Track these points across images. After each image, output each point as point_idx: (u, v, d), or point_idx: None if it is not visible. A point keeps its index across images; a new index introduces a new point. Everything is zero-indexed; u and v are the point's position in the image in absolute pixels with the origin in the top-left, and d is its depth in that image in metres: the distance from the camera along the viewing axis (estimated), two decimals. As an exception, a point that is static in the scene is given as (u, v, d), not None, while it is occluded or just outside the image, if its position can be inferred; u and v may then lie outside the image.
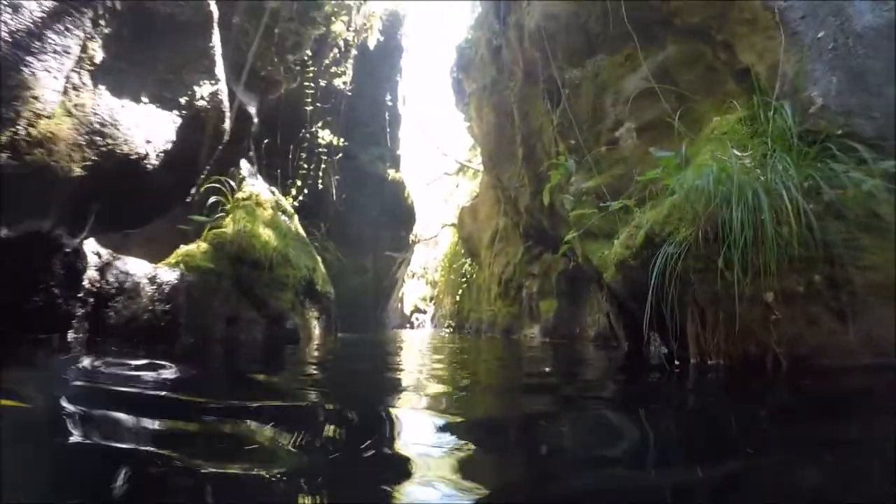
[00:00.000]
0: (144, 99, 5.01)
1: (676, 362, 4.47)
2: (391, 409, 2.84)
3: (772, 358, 3.85)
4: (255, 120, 9.40)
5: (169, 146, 5.19)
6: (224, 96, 5.86)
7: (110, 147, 4.58)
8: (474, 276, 17.46)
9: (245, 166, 9.31)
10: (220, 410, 2.67)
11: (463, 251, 18.77)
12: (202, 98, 5.51)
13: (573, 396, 3.57)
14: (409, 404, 3.10)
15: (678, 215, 4.53)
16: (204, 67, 5.56)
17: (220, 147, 5.99)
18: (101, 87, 4.66)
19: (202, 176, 6.08)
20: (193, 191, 6.12)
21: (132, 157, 4.79)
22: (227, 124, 5.93)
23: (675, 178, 4.67)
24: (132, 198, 5.12)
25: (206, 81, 5.57)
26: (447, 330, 19.19)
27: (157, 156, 5.07)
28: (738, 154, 4.46)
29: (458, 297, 18.70)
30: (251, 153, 9.96)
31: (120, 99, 4.81)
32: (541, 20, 8.65)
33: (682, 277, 4.25)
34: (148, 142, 4.94)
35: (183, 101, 5.37)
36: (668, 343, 4.53)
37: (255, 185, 8.83)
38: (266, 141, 10.80)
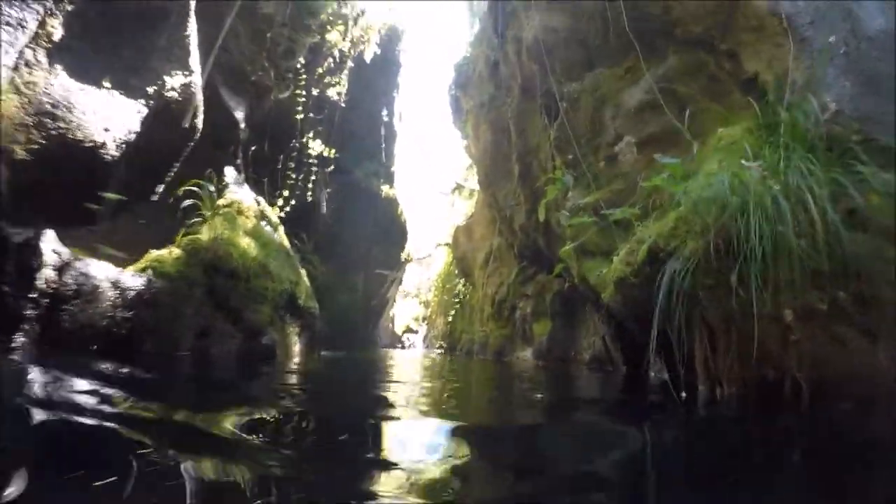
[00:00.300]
0: (107, 84, 4.62)
1: (683, 393, 4.05)
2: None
3: (791, 383, 3.45)
4: (243, 125, 9.05)
5: (132, 137, 4.79)
6: (198, 90, 5.47)
7: (61, 131, 4.19)
8: (467, 296, 17.23)
9: (230, 173, 8.93)
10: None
11: (456, 271, 18.55)
12: (173, 89, 5.12)
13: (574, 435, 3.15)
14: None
15: (685, 228, 4.16)
16: (176, 57, 5.17)
17: (192, 143, 5.59)
18: (58, 67, 4.28)
19: (171, 173, 5.65)
20: (161, 188, 5.68)
21: (86, 145, 4.39)
22: (199, 120, 5.53)
23: (681, 187, 4.29)
24: (89, 190, 4.70)
25: (178, 72, 5.18)
26: (438, 351, 18.91)
27: (118, 146, 4.67)
28: (749, 163, 4.08)
29: (450, 318, 18.42)
30: (238, 161, 9.59)
31: (79, 82, 4.42)
32: (539, 33, 8.44)
33: (690, 295, 3.86)
34: (106, 130, 4.54)
35: (151, 90, 4.97)
36: (673, 367, 4.10)
37: (238, 193, 8.44)
38: (254, 148, 10.43)
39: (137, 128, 4.83)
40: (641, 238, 4.69)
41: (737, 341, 3.68)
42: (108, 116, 4.54)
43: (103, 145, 4.52)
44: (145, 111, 4.91)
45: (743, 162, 4.00)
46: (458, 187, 22.32)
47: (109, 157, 4.59)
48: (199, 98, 5.49)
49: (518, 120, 10.13)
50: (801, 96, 4.54)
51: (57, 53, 4.25)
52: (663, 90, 6.37)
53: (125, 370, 4.25)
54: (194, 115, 5.44)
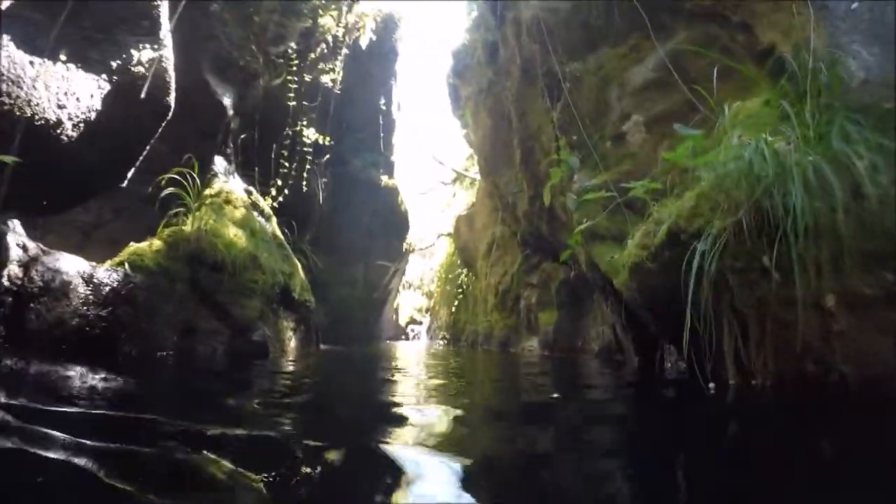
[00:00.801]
0: (62, 57, 4.21)
1: (711, 385, 3.64)
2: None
3: (836, 378, 3.05)
4: (231, 113, 8.65)
5: (91, 115, 4.37)
6: (170, 66, 5.03)
7: (8, 107, 3.78)
8: (470, 286, 16.97)
9: (220, 163, 8.56)
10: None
11: (459, 261, 18.29)
12: (140, 64, 4.69)
13: (598, 442, 2.74)
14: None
15: (709, 206, 3.76)
16: (144, 29, 4.74)
17: (163, 123, 5.15)
18: (5, 38, 3.86)
19: (142, 155, 5.21)
20: (131, 174, 5.25)
21: (38, 123, 3.98)
22: (171, 98, 5.09)
23: (707, 159, 3.89)
24: (44, 174, 4.29)
25: (146, 45, 4.75)
26: (442, 342, 18.68)
27: (75, 125, 4.25)
28: (775, 135, 3.68)
29: (453, 309, 18.15)
30: (228, 150, 9.20)
31: (28, 53, 4.01)
32: (539, 13, 8.09)
33: (717, 281, 3.46)
34: (61, 107, 4.12)
35: (114, 64, 4.55)
36: (696, 359, 3.70)
37: (228, 183, 8.06)
38: (244, 136, 10.03)
39: (98, 105, 4.42)
40: (659, 218, 4.29)
41: (771, 331, 3.28)
42: (62, 93, 4.13)
43: (59, 124, 4.11)
44: (107, 87, 4.50)
45: (778, 130, 3.59)
46: (459, 177, 22.05)
47: (66, 138, 4.18)
48: (171, 75, 5.06)
49: (518, 104, 9.81)
50: (823, 66, 4.17)
51: (4, 21, 3.84)
52: (671, 68, 6.02)
53: (91, 377, 3.85)
54: (166, 93, 5.01)
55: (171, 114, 5.18)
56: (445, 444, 2.33)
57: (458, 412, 3.13)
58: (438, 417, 2.98)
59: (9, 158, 3.88)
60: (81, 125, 4.29)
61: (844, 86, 3.94)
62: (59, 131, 4.13)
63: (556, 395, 4.10)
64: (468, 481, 1.80)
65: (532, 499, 1.72)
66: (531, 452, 2.34)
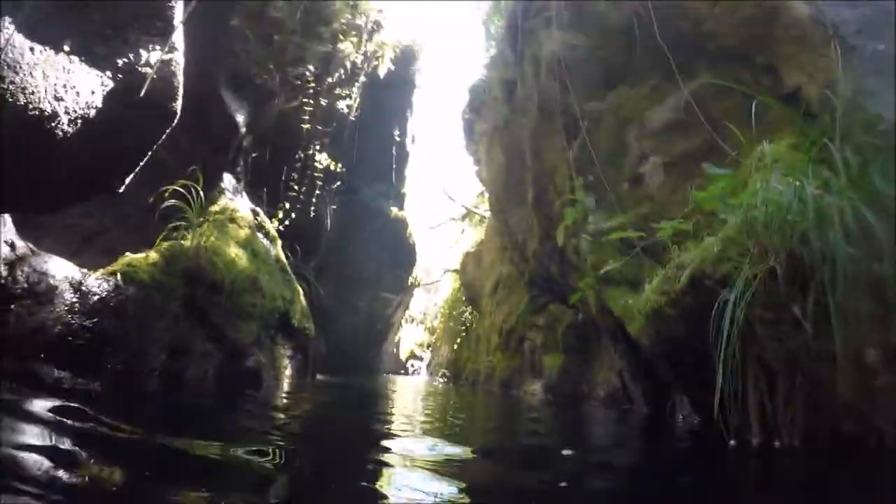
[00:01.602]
0: (66, 48, 4.03)
1: (732, 442, 3.38)
2: None
3: (876, 440, 2.80)
4: (244, 130, 8.51)
5: (91, 112, 4.17)
6: (179, 70, 4.84)
7: (1, 92, 3.58)
8: (474, 324, 16.75)
9: (228, 180, 8.39)
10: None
11: (464, 298, 18.09)
12: (148, 65, 4.50)
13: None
14: None
15: (736, 251, 3.53)
16: (157, 30, 4.57)
17: (168, 129, 4.93)
18: (5, 21, 3.67)
19: (142, 160, 4.99)
20: (129, 180, 5.02)
21: (32, 112, 3.77)
22: (178, 105, 4.90)
23: (741, 200, 3.67)
24: (36, 169, 4.08)
25: (157, 47, 4.57)
26: (442, 379, 18.42)
27: (72, 120, 4.05)
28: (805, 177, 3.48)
29: (455, 346, 17.91)
30: (238, 168, 9.05)
31: (30, 39, 3.83)
32: (559, 50, 8.01)
33: (744, 331, 3.22)
34: (58, 99, 3.92)
35: (121, 62, 4.35)
36: (720, 415, 3.44)
37: (234, 201, 7.88)
38: (255, 155, 9.90)
39: (99, 103, 4.22)
40: (681, 263, 4.06)
41: (802, 386, 3.04)
42: (61, 84, 3.94)
43: (54, 116, 3.91)
44: (110, 85, 4.30)
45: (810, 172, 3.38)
46: (469, 213, 21.99)
47: (61, 133, 3.98)
48: (180, 79, 4.88)
49: (534, 142, 9.70)
50: (850, 109, 4.03)
51: (9, 4, 3.68)
52: (693, 109, 5.90)
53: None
54: (172, 98, 4.82)
55: (177, 121, 4.99)
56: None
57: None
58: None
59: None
60: (79, 121, 4.10)
61: (874, 127, 3.77)
62: (53, 124, 3.94)
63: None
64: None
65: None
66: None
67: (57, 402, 3.15)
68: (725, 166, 4.62)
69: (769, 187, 3.55)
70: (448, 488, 2.41)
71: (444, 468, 2.85)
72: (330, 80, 11.44)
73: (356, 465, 2.88)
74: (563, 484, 2.76)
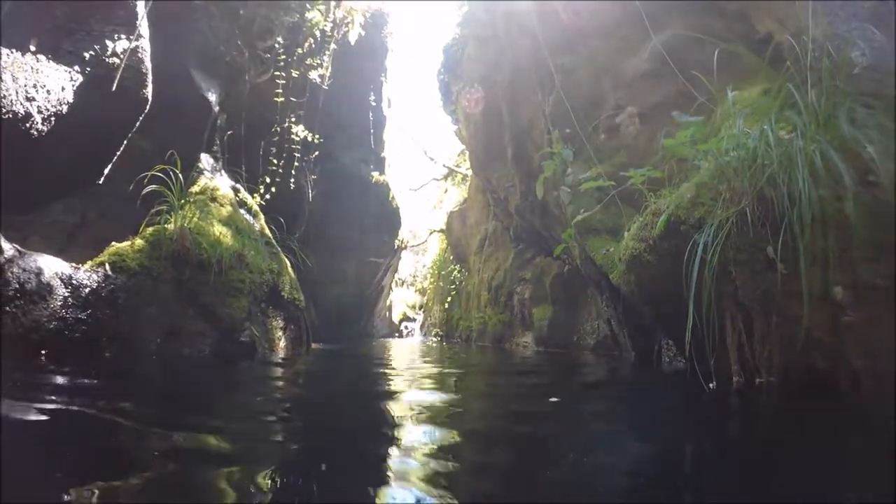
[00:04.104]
0: (32, 47, 4.04)
1: (712, 384, 3.50)
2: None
3: (846, 374, 2.92)
4: (217, 109, 8.47)
5: (63, 108, 4.20)
6: (146, 57, 4.85)
7: (-29, 99, 3.61)
8: (463, 282, 16.84)
9: (206, 160, 8.36)
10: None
11: (452, 257, 18.17)
12: (115, 55, 4.51)
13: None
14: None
15: (710, 195, 3.62)
16: (120, 18, 4.56)
17: (140, 117, 4.95)
18: (-30, 29, 3.70)
19: (118, 150, 5.01)
20: (108, 170, 5.05)
21: (5, 116, 3.80)
22: (148, 91, 4.91)
23: (708, 146, 3.75)
24: (15, 170, 4.11)
25: (121, 36, 4.57)
26: (435, 339, 18.57)
27: (46, 119, 4.08)
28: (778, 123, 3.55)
29: (446, 305, 18.03)
30: (215, 147, 9.02)
31: (-5, 44, 3.84)
32: (532, 7, 8.00)
33: (719, 273, 3.33)
34: (30, 99, 3.95)
35: (87, 56, 4.37)
36: (699, 356, 3.56)
37: (214, 180, 7.87)
38: (230, 133, 9.85)
39: (70, 98, 4.24)
40: (657, 209, 4.15)
41: (777, 325, 3.15)
42: (31, 85, 3.95)
43: (28, 117, 3.94)
44: (80, 79, 4.32)
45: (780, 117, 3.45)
46: (451, 173, 21.95)
47: (37, 132, 4.01)
48: (148, 66, 4.87)
49: (510, 98, 9.73)
50: (822, 54, 4.06)
51: (-31, 11, 3.69)
52: (666, 59, 5.94)
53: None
54: (142, 85, 4.82)
55: (150, 108, 5.00)
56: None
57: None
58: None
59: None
60: (52, 119, 4.13)
61: (848, 72, 3.82)
62: (28, 125, 3.96)
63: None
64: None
65: None
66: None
67: (58, 397, 3.21)
68: (698, 114, 4.68)
69: (738, 132, 3.64)
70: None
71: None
72: (300, 50, 11.32)
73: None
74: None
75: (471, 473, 2.05)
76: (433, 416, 3.01)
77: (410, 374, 5.35)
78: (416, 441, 2.48)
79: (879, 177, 2.92)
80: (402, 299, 30.26)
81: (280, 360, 6.25)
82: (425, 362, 7.39)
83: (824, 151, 3.06)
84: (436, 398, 3.69)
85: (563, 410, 3.35)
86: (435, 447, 2.36)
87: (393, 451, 2.34)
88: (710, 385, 3.47)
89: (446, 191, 23.20)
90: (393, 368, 6.25)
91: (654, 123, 6.19)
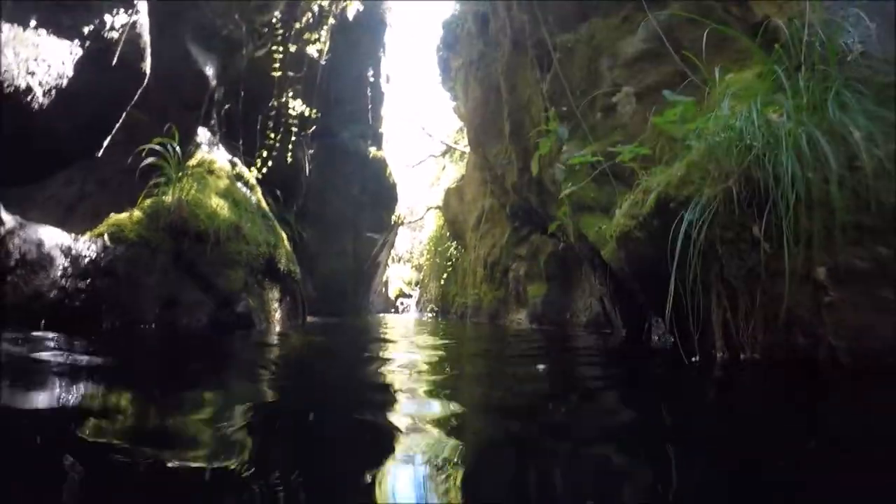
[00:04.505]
0: (32, 22, 4.07)
1: (695, 358, 3.59)
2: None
3: (826, 351, 3.00)
4: (214, 83, 8.48)
5: (63, 82, 4.24)
6: (144, 31, 4.88)
7: (-24, 74, 3.65)
8: (459, 259, 16.92)
9: (203, 134, 8.40)
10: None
11: (448, 234, 18.22)
12: (113, 29, 4.54)
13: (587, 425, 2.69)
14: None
15: (699, 174, 3.68)
16: (119, -7, 4.61)
17: (139, 90, 5.00)
18: (-27, 7, 3.73)
19: (117, 123, 5.06)
20: (107, 142, 5.10)
21: (7, 90, 3.85)
22: (146, 65, 4.94)
23: (696, 124, 3.81)
24: (16, 142, 4.16)
25: (120, 10, 4.61)
26: (430, 315, 18.70)
27: (46, 92, 4.13)
28: (767, 105, 3.61)
29: (442, 282, 18.13)
30: (212, 121, 9.04)
31: (-4, 19, 3.87)
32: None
33: (706, 251, 3.40)
34: (31, 73, 3.99)
35: (87, 30, 4.40)
36: (684, 332, 3.65)
37: (211, 154, 7.91)
38: (227, 107, 9.86)
39: (70, 72, 4.29)
40: (648, 187, 4.21)
41: (762, 303, 3.23)
42: (32, 59, 3.99)
43: (29, 91, 3.98)
44: (79, 53, 4.36)
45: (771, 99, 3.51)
46: (449, 149, 21.94)
47: (38, 105, 4.06)
48: (146, 40, 4.91)
49: (508, 75, 9.74)
50: (818, 40, 4.09)
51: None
52: (665, 38, 5.95)
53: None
54: (140, 58, 4.86)
55: (147, 81, 5.04)
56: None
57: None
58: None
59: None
60: (53, 92, 4.17)
61: (841, 58, 3.85)
62: (29, 98, 4.01)
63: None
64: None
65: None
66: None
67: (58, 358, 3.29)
68: (691, 94, 4.72)
69: (726, 112, 3.70)
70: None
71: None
72: (298, 25, 11.31)
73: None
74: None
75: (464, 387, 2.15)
76: (429, 370, 3.13)
77: (407, 342, 5.48)
78: (414, 385, 2.61)
79: (864, 162, 2.98)
80: (398, 275, 30.35)
81: (277, 330, 6.36)
82: (421, 334, 7.52)
83: (811, 134, 3.12)
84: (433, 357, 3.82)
85: (550, 371, 3.54)
86: (433, 387, 2.50)
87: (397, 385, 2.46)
88: (693, 358, 3.56)
89: (444, 168, 23.20)
90: (390, 338, 6.38)
91: (651, 103, 6.18)
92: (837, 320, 2.98)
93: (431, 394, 2.69)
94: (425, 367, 3.67)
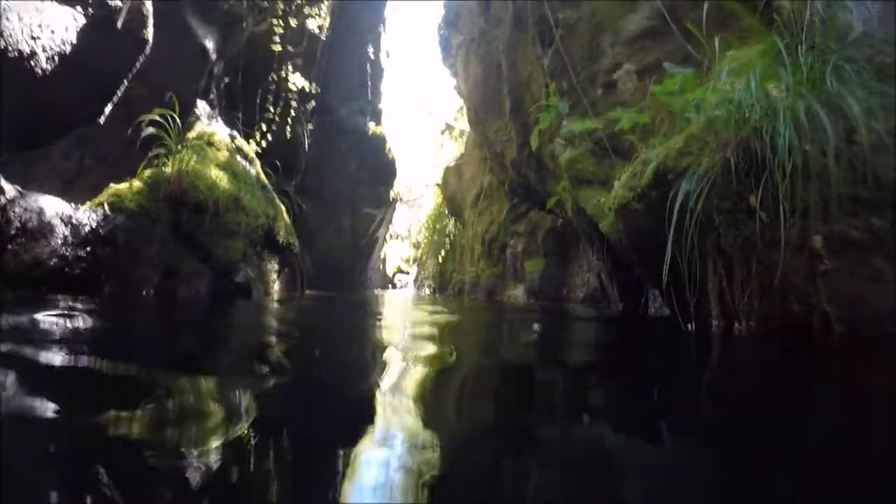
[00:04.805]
0: (37, -11, 4.07)
1: (690, 326, 3.64)
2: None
3: (820, 320, 3.04)
4: (214, 57, 8.45)
5: (66, 48, 4.24)
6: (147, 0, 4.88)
7: (-19, 38, 3.65)
8: (457, 236, 16.91)
9: (203, 107, 8.38)
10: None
11: (447, 211, 18.18)
12: (117, -4, 4.55)
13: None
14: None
15: (698, 146, 3.70)
16: (122, -40, 4.60)
17: (142, 57, 5.00)
18: (-24, -29, 3.72)
19: (120, 90, 5.06)
20: (108, 109, 5.10)
21: (10, 54, 3.85)
22: (149, 32, 4.94)
23: (697, 95, 3.82)
24: (19, 107, 4.17)
25: (123, -22, 4.61)
26: (428, 291, 18.73)
27: (49, 58, 4.13)
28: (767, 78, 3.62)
29: (440, 258, 18.13)
30: (211, 95, 9.02)
31: (1, -15, 3.86)
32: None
33: (703, 221, 3.43)
34: (34, 38, 3.99)
35: (90, -3, 4.41)
36: (681, 301, 3.69)
37: (210, 126, 7.91)
38: (227, 81, 9.84)
39: (73, 38, 4.28)
40: (647, 159, 4.23)
41: (757, 271, 3.26)
42: (36, 24, 3.99)
43: (32, 55, 3.99)
44: (82, 20, 4.36)
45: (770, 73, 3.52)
46: (448, 127, 21.88)
47: (41, 71, 4.06)
48: (149, 7, 4.90)
49: (509, 52, 9.70)
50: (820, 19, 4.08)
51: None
52: (665, 18, 5.94)
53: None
54: (142, 25, 4.86)
55: (147, 55, 5.03)
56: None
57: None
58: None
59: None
60: (56, 58, 4.17)
61: (842, 37, 3.85)
62: (32, 63, 4.01)
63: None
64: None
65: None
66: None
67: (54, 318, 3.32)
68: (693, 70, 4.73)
69: (725, 84, 3.71)
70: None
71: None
72: (298, 0, 11.26)
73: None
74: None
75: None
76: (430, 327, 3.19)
77: (405, 310, 5.53)
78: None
79: (862, 136, 3.01)
80: (396, 253, 30.35)
81: (276, 300, 6.41)
82: (419, 305, 7.60)
83: (810, 106, 3.14)
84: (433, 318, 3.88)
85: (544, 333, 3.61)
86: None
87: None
88: (689, 325, 3.60)
89: (443, 145, 23.14)
90: (388, 308, 6.44)
91: (652, 81, 6.19)
92: (832, 288, 3.01)
93: (431, 339, 2.74)
94: (426, 326, 3.72)
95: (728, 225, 3.36)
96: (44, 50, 4.09)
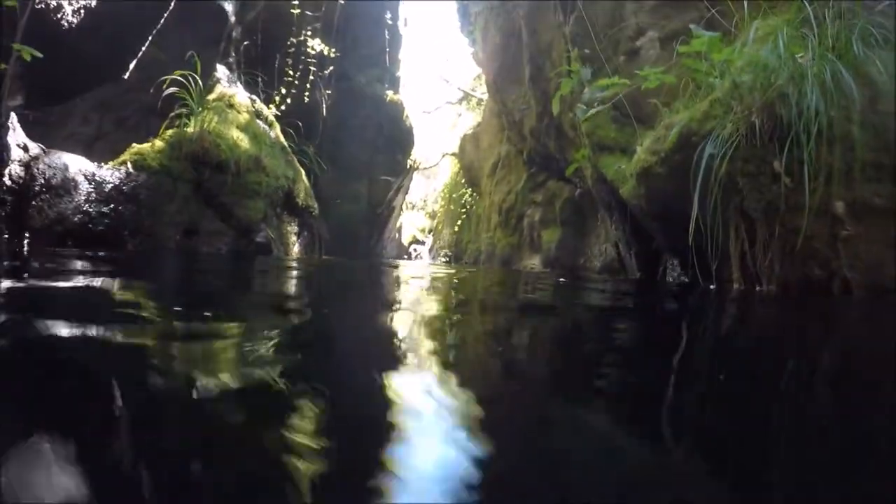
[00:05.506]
0: (64, -58, 4.09)
1: (712, 286, 3.65)
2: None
3: (840, 285, 3.04)
4: (233, 20, 8.44)
5: (92, 2, 4.26)
6: (170, -46, 4.89)
7: (11, -10, 3.67)
8: (474, 206, 16.87)
9: (222, 71, 8.39)
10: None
11: (463, 181, 18.15)
12: (141, -51, 4.56)
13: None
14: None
15: (722, 109, 3.68)
16: (146, -83, 4.60)
17: (165, 13, 5.01)
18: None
19: (143, 46, 5.08)
20: (133, 65, 5.13)
21: (38, 7, 3.87)
22: (171, -10, 4.96)
23: (724, 55, 3.77)
24: (46, 60, 4.19)
25: (147, -67, 4.62)
26: (443, 260, 18.73)
27: (76, 11, 4.15)
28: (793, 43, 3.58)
29: (456, 228, 18.10)
30: (230, 59, 9.02)
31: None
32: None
33: (726, 184, 3.42)
34: (62, -9, 4.02)
35: (115, -48, 4.43)
36: (702, 264, 3.70)
37: (231, 89, 7.92)
38: (246, 44, 9.83)
39: (99, -5, 4.31)
40: (670, 123, 4.21)
41: (780, 235, 3.26)
42: (62, -25, 4.02)
43: (60, 9, 4.01)
44: (109, -26, 4.38)
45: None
46: (466, 96, 21.78)
47: (68, 24, 4.09)
48: (173, -37, 4.92)
49: (529, 19, 9.63)
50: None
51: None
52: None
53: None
54: (166, -16, 4.88)
55: (166, 18, 5.05)
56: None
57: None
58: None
59: (28, 51, 3.73)
60: (82, 11, 4.20)
61: (868, 9, 3.80)
62: (59, 16, 4.04)
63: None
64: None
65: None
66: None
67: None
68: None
69: (752, 49, 3.68)
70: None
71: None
72: (317, -37, 11.21)
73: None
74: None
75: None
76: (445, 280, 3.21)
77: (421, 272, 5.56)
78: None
79: (887, 106, 2.99)
80: (411, 222, 30.35)
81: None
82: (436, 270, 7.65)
83: (836, 71, 3.11)
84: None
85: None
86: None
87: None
88: (710, 286, 3.62)
89: (460, 115, 23.04)
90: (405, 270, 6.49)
91: (675, 48, 6.17)
92: (853, 254, 3.01)
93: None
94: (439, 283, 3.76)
95: (751, 188, 3.36)
96: (70, 3, 4.11)
